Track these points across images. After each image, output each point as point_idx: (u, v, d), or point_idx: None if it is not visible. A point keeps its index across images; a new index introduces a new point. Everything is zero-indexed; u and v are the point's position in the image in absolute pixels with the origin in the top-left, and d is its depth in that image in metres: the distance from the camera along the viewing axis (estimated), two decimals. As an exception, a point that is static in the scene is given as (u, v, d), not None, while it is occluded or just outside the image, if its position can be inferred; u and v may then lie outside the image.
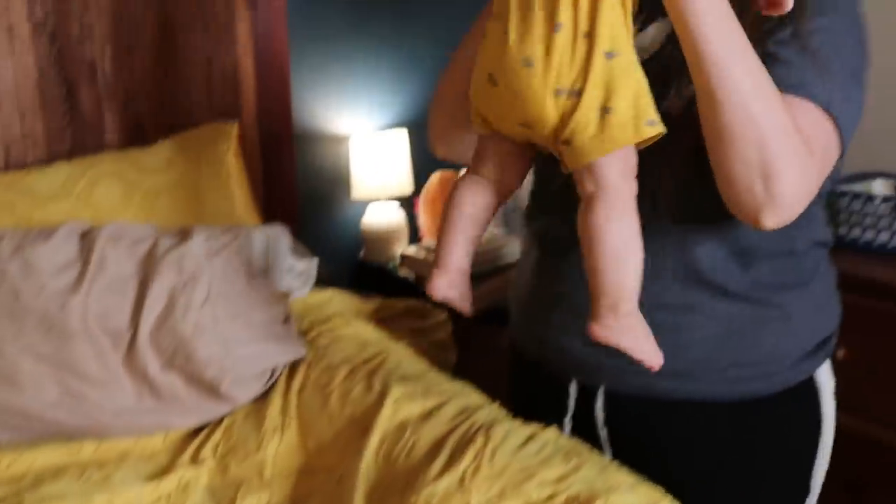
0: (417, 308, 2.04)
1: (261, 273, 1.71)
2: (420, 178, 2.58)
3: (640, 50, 1.03)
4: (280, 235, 1.78)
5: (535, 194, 1.25)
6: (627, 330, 0.92)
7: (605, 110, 0.87)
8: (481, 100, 0.96)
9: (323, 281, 2.12)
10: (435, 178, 2.53)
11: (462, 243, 1.02)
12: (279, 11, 2.41)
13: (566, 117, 0.88)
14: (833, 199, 1.99)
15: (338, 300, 1.92)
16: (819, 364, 1.15)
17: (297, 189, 2.53)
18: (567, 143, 0.89)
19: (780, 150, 0.87)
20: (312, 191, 2.62)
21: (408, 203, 2.64)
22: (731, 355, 1.09)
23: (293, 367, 1.62)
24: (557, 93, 0.87)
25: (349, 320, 1.78)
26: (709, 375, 1.09)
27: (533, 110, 0.89)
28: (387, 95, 2.70)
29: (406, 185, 2.61)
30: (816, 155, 0.91)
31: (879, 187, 1.99)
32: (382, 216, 2.60)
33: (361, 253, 2.69)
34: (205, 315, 1.57)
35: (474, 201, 1.02)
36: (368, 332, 1.72)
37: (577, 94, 0.87)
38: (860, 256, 1.94)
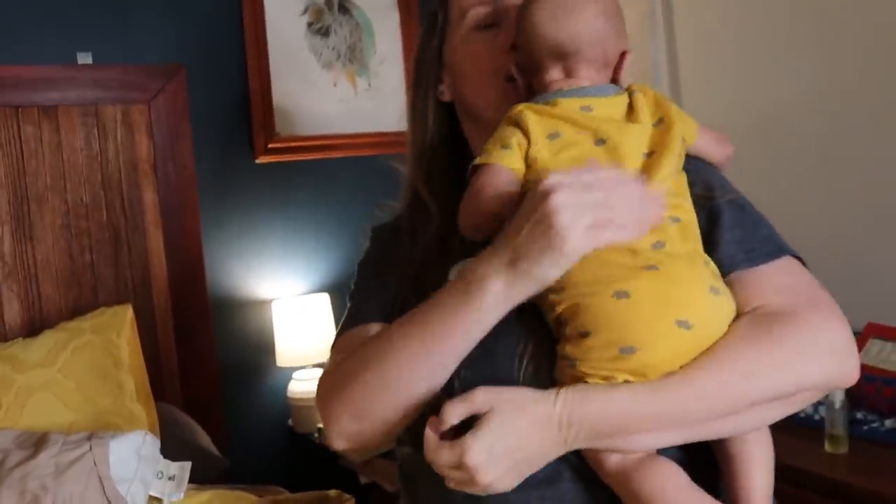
0: (321, 498, 1.91)
1: (121, 482, 1.60)
2: (344, 342, 2.48)
3: None
4: (145, 440, 1.68)
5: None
6: None
7: None
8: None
9: (222, 472, 2.02)
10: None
11: None
12: (188, 182, 2.39)
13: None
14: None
15: (219, 501, 1.79)
16: None
17: (215, 359, 2.45)
18: None
19: (800, 368, 0.82)
20: (237, 358, 2.55)
21: (335, 368, 2.54)
22: None
23: None
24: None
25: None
26: None
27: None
28: (309, 260, 2.65)
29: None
30: (820, 296, 0.86)
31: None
32: (309, 384, 2.49)
33: (290, 420, 2.58)
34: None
35: None
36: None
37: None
38: (787, 430, 1.78)
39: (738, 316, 0.83)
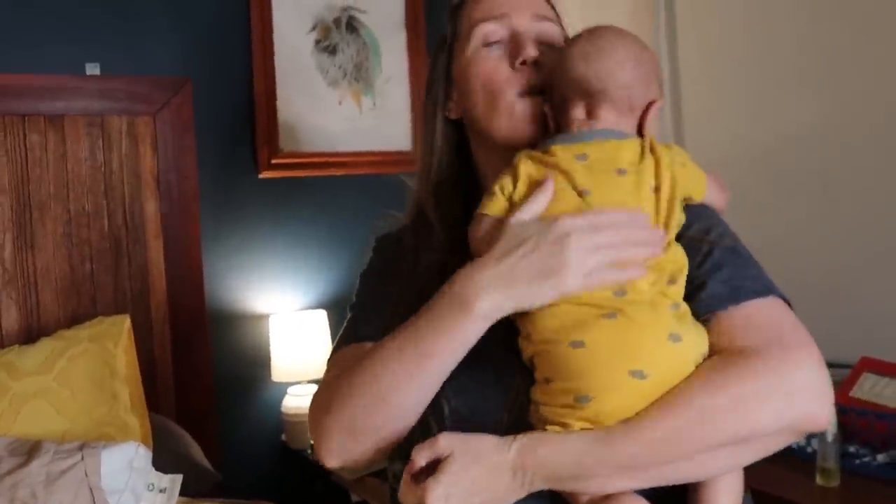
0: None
1: (111, 493, 1.60)
2: (340, 359, 2.49)
3: None
4: (137, 452, 1.68)
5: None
6: None
7: None
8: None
9: (214, 486, 2.02)
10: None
11: None
12: (190, 195, 2.41)
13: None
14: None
15: (208, 515, 1.79)
16: None
17: (211, 372, 2.46)
18: None
19: (761, 410, 0.80)
20: (232, 371, 2.55)
21: (330, 384, 2.54)
22: None
23: None
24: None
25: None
26: None
27: None
28: (308, 276, 2.66)
29: (326, 367, 2.51)
30: (797, 337, 0.84)
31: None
32: (303, 399, 2.50)
33: (283, 436, 2.58)
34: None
35: None
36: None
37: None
38: (779, 462, 1.78)
39: (707, 358, 0.83)
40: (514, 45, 1.02)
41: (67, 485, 1.56)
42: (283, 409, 2.53)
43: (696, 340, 0.82)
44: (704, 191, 0.92)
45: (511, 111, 1.00)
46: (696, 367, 0.82)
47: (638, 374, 0.78)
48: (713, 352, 0.83)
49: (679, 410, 0.79)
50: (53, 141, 2.23)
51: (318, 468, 2.40)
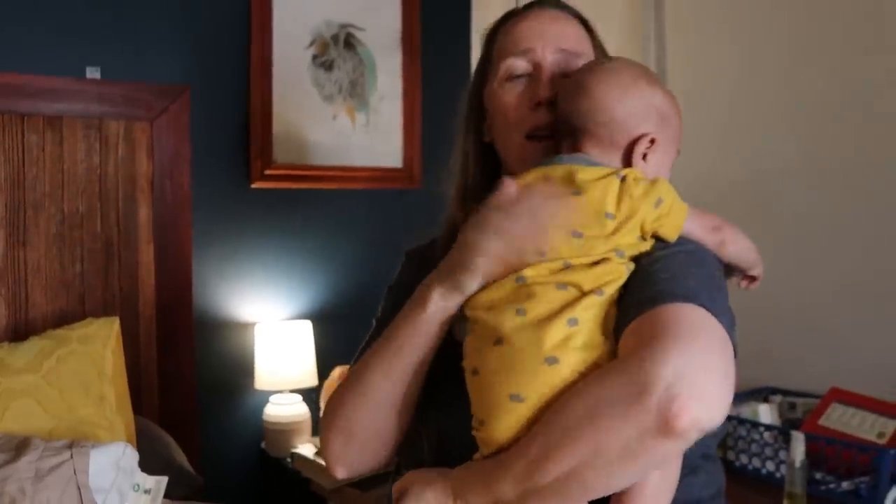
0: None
1: (98, 492, 1.62)
2: (324, 371, 2.52)
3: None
4: (125, 452, 1.70)
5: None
6: None
7: None
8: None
9: (194, 490, 2.04)
10: (336, 372, 2.47)
11: None
12: (183, 201, 2.44)
13: None
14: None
15: (191, 517, 1.81)
16: None
17: (194, 377, 2.48)
18: None
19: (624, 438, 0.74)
20: (216, 377, 2.57)
21: (312, 395, 2.58)
22: None
23: None
24: None
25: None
26: None
27: None
28: (295, 287, 2.70)
29: (310, 378, 2.55)
30: (678, 331, 0.76)
31: (766, 413, 1.92)
32: (284, 408, 2.52)
33: (263, 443, 2.60)
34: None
35: None
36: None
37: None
38: (748, 486, 1.84)
39: None
40: (532, 83, 1.04)
41: (56, 482, 1.57)
42: (265, 418, 2.56)
43: (577, 361, 0.81)
44: (678, 230, 0.92)
45: (520, 149, 1.04)
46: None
47: (516, 398, 0.82)
48: None
49: (547, 429, 0.79)
50: (51, 142, 2.26)
51: (297, 476, 2.42)
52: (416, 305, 0.96)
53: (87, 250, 2.30)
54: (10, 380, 1.89)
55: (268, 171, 2.63)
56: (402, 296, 1.02)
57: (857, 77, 2.05)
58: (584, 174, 0.90)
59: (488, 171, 1.12)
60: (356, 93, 2.81)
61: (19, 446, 1.66)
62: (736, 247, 1.00)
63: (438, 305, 0.95)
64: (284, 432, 2.51)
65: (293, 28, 2.67)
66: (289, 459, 2.47)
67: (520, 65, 1.06)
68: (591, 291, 0.85)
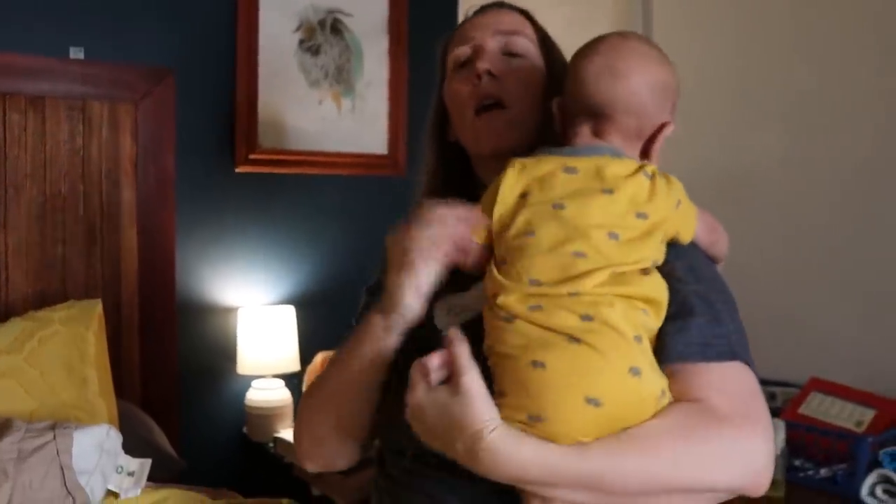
0: (268, 505, 1.93)
1: (81, 474, 1.61)
2: (307, 356, 2.52)
3: (463, 308, 1.01)
4: (108, 434, 1.70)
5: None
6: None
7: None
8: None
9: (178, 473, 2.03)
10: (318, 357, 2.47)
11: None
12: (167, 184, 2.42)
13: None
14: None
15: (175, 500, 1.80)
16: None
17: (176, 361, 2.47)
18: None
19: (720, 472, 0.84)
20: (198, 361, 2.56)
21: (295, 380, 2.57)
22: None
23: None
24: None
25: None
26: None
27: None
28: (278, 272, 2.69)
29: (292, 363, 2.55)
30: (756, 408, 0.88)
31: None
32: (267, 393, 2.52)
33: (245, 428, 2.60)
34: (1, 526, 1.47)
35: None
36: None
37: None
38: None
39: (675, 402, 0.84)
40: (473, 62, 1.07)
41: (39, 462, 1.57)
42: (247, 402, 2.55)
43: (654, 378, 0.82)
44: (693, 233, 0.92)
45: (472, 128, 1.06)
46: (664, 408, 0.83)
47: (594, 402, 0.78)
48: (677, 399, 0.84)
49: (650, 448, 0.81)
50: (33, 122, 2.23)
51: (279, 461, 2.42)
52: (371, 312, 1.00)
53: (69, 233, 2.28)
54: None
55: (252, 156, 2.62)
56: (374, 295, 1.07)
57: (845, 71, 2.08)
58: (614, 169, 0.88)
59: (458, 169, 1.16)
60: (342, 78, 2.80)
61: (0, 427, 1.64)
62: (722, 245, 1.01)
63: (381, 326, 0.98)
64: (267, 417, 2.51)
65: (280, 12, 2.65)
66: (271, 444, 2.47)
67: (463, 51, 1.09)
68: (649, 308, 0.85)
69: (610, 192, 0.86)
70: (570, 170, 0.89)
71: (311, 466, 1.11)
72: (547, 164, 0.90)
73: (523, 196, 0.89)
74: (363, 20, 2.83)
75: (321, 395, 1.06)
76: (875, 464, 1.70)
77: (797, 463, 1.77)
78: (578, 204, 0.86)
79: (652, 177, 0.88)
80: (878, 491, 1.67)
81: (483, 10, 1.14)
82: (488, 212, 0.91)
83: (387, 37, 2.88)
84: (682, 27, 2.46)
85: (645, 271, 0.85)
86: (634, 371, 0.79)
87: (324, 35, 2.75)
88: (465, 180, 1.14)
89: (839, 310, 2.07)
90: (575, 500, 0.83)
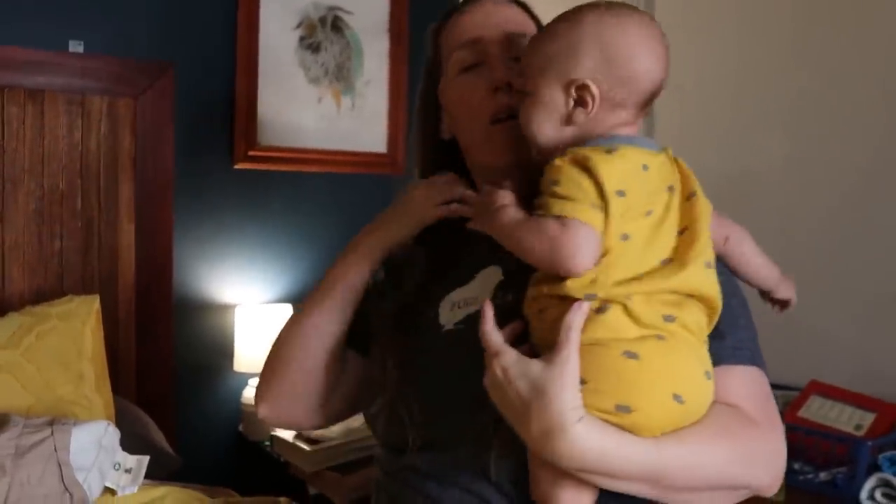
0: (267, 503, 1.92)
1: (79, 470, 1.60)
2: (304, 353, 2.51)
3: (466, 302, 1.01)
4: (107, 430, 1.68)
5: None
6: None
7: None
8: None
9: (173, 471, 2.02)
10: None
11: None
12: (165, 180, 2.41)
13: None
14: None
15: (172, 498, 1.79)
16: None
17: (172, 358, 2.46)
18: None
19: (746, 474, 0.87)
20: (194, 358, 2.55)
21: (291, 378, 2.56)
22: None
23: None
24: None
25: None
26: None
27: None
28: (276, 270, 2.68)
29: (289, 360, 2.53)
30: (774, 414, 0.92)
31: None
32: (263, 391, 2.51)
33: (241, 426, 2.59)
34: (-1, 522, 1.45)
35: None
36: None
37: None
38: None
39: (716, 404, 0.85)
40: (486, 70, 1.04)
41: (37, 458, 1.55)
42: (243, 400, 2.55)
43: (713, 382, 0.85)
44: (709, 217, 0.89)
45: (487, 137, 1.03)
46: (716, 408, 0.85)
47: (678, 399, 0.80)
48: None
49: (708, 445, 0.83)
50: (32, 115, 2.21)
51: (275, 460, 2.41)
52: (342, 257, 1.09)
53: (66, 228, 2.27)
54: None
55: (251, 153, 2.61)
56: (367, 294, 1.12)
57: (846, 75, 2.08)
58: (668, 165, 0.88)
59: (446, 167, 1.13)
60: (342, 76, 2.79)
61: (-2, 422, 1.63)
62: (754, 248, 1.01)
63: (363, 253, 1.08)
64: (262, 416, 2.50)
65: (281, 9, 2.64)
66: (267, 443, 2.46)
67: (469, 55, 1.06)
68: (711, 312, 0.87)
69: (672, 189, 0.87)
70: (644, 167, 0.85)
71: (264, 408, 1.13)
72: (631, 159, 0.84)
73: (618, 194, 0.82)
74: (364, 18, 2.82)
75: (295, 325, 1.12)
76: (874, 467, 1.71)
77: (796, 466, 1.77)
78: (662, 208, 0.85)
79: (679, 164, 0.90)
80: (878, 495, 1.67)
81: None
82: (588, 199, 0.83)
83: (387, 35, 2.87)
84: (684, 29, 2.46)
85: (709, 265, 0.86)
86: (708, 374, 0.83)
87: (324, 33, 2.74)
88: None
89: (839, 313, 2.07)
90: (628, 490, 0.83)
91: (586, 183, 0.82)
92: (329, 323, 1.07)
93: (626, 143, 0.85)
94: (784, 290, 1.03)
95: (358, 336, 1.12)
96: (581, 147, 0.86)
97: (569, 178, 0.83)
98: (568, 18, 0.89)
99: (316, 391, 1.10)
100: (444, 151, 1.13)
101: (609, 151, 0.83)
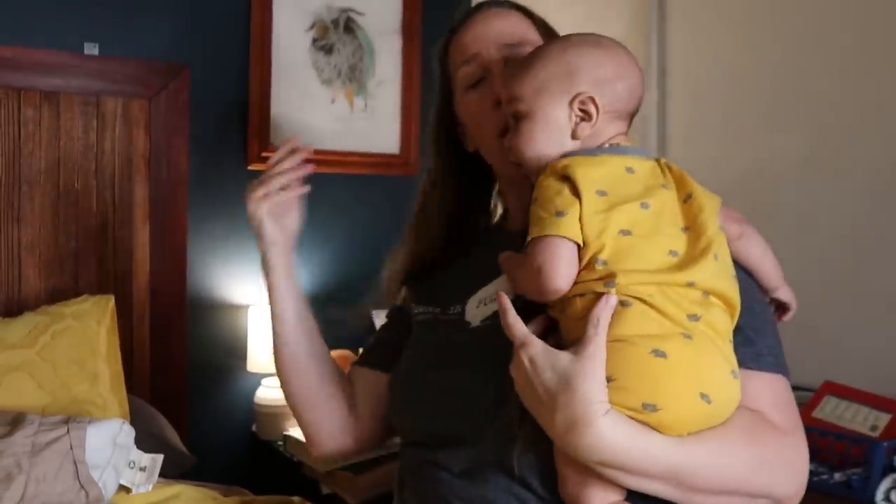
0: (280, 502, 1.93)
1: (94, 468, 1.61)
2: (317, 354, 2.52)
3: (491, 299, 1.02)
4: (122, 429, 1.69)
5: None
6: None
7: None
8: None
9: (186, 470, 2.03)
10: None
11: None
12: (179, 181, 2.42)
13: None
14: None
15: (186, 496, 1.80)
16: None
17: (185, 357, 2.47)
18: None
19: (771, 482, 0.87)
20: (208, 358, 2.56)
21: (304, 378, 2.57)
22: None
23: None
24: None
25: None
26: None
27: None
28: (289, 268, 2.69)
29: (302, 361, 2.54)
30: (799, 422, 0.92)
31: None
32: (276, 391, 2.51)
33: (254, 426, 2.59)
34: (14, 520, 1.46)
35: None
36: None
37: None
38: None
39: (741, 408, 0.86)
40: (488, 85, 1.06)
41: (52, 456, 1.56)
42: (256, 400, 2.55)
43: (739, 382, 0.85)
44: (717, 215, 0.90)
45: (498, 151, 1.05)
46: (741, 412, 0.85)
47: (706, 398, 0.80)
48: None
49: (737, 448, 0.83)
50: (48, 117, 2.23)
51: (288, 459, 2.42)
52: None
53: (81, 228, 2.28)
54: (4, 355, 1.87)
55: (265, 154, 2.61)
56: (391, 318, 1.25)
57: (860, 72, 2.07)
58: (657, 169, 0.90)
59: (469, 179, 1.18)
60: (355, 77, 2.80)
61: (14, 421, 1.64)
62: (761, 245, 1.02)
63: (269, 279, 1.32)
64: (276, 415, 2.51)
65: (294, 11, 2.65)
66: (280, 443, 2.47)
67: (471, 71, 1.08)
68: (732, 311, 0.87)
69: (666, 186, 0.89)
70: (630, 169, 0.89)
71: (314, 450, 1.27)
72: (613, 163, 0.89)
73: (599, 194, 0.85)
74: (377, 19, 2.83)
75: (280, 363, 1.31)
76: (890, 468, 1.69)
77: (811, 467, 1.75)
78: (657, 202, 0.87)
79: (670, 167, 0.92)
80: (893, 496, 1.66)
81: (480, 9, 1.12)
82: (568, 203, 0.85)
83: (400, 36, 2.88)
84: (696, 26, 2.46)
85: (716, 256, 0.87)
86: (734, 374, 0.83)
87: (337, 34, 2.75)
88: (479, 187, 1.19)
89: (854, 313, 2.06)
90: (648, 489, 0.83)
91: (566, 190, 0.85)
92: (295, 350, 1.29)
93: (612, 153, 0.89)
94: (784, 293, 1.05)
95: (381, 358, 1.20)
96: (563, 159, 0.89)
97: (546, 191, 0.86)
98: (555, 45, 0.95)
99: (330, 415, 1.20)
100: (472, 162, 1.16)
101: (590, 158, 0.88)
